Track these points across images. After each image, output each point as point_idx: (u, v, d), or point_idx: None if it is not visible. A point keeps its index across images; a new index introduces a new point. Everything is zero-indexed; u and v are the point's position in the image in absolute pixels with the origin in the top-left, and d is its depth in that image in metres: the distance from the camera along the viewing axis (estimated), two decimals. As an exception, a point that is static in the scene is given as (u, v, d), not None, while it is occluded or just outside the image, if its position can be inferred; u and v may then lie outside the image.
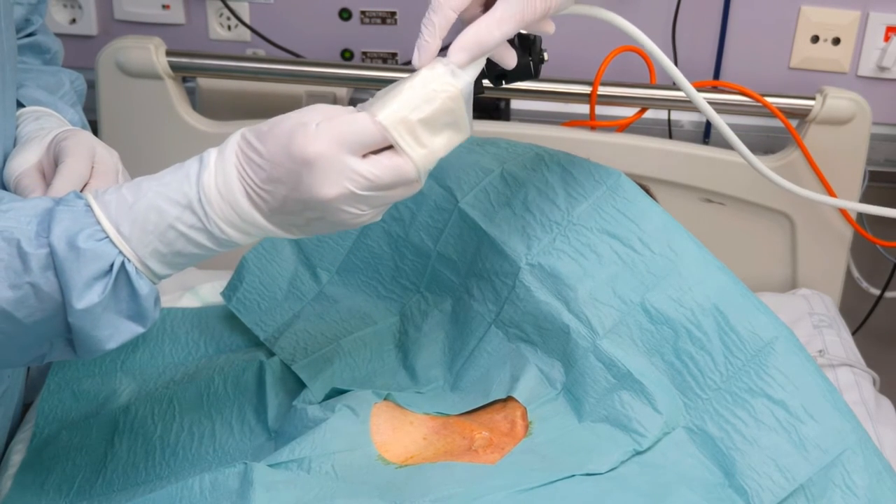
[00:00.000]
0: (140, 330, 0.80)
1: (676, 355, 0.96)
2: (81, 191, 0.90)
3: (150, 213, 0.77)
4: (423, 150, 0.78)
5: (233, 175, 0.77)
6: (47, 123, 1.01)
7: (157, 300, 0.81)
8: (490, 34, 0.83)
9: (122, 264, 0.77)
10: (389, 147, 0.77)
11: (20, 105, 1.04)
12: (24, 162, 0.94)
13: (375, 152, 0.77)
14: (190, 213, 0.77)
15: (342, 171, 0.75)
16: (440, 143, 0.79)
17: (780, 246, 1.63)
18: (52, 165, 0.93)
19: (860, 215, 1.64)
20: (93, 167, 0.92)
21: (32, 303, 0.76)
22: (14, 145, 0.99)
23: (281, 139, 0.76)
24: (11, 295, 0.76)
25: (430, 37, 0.82)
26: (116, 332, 0.79)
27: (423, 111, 0.78)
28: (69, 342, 0.80)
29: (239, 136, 0.78)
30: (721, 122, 1.17)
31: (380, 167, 0.76)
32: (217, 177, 0.77)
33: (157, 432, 1.07)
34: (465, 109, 0.81)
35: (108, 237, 0.77)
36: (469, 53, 0.82)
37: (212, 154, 0.79)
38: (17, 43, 1.06)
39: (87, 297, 0.76)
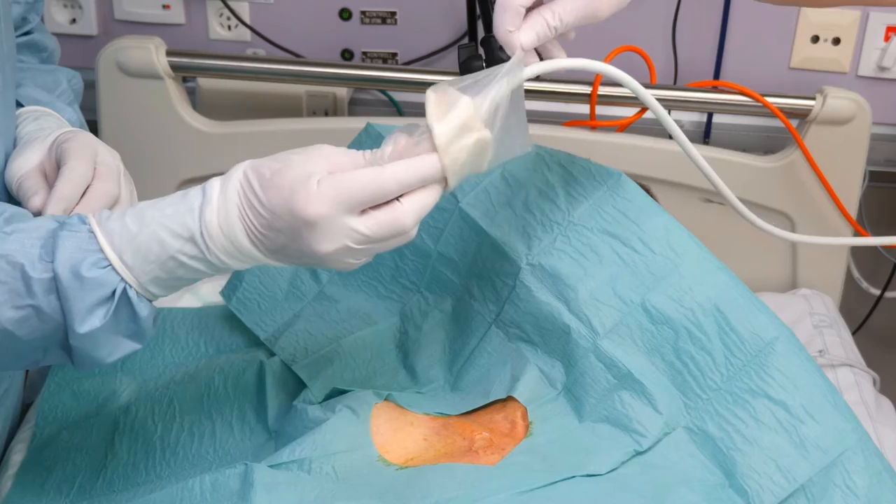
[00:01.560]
0: (138, 346, 0.82)
1: (677, 355, 0.96)
2: (84, 193, 0.91)
3: (153, 243, 0.78)
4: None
5: (234, 214, 0.78)
6: (47, 124, 1.01)
7: (156, 318, 0.83)
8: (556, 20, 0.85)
9: (125, 290, 0.79)
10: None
11: (19, 105, 1.04)
12: (26, 163, 0.94)
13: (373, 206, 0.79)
14: (191, 245, 0.79)
15: (341, 229, 0.77)
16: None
17: (780, 246, 1.63)
18: (54, 167, 0.93)
19: (860, 215, 1.64)
20: (95, 169, 0.93)
21: (34, 323, 0.78)
22: (14, 145, 0.99)
23: (283, 193, 0.77)
24: (14, 315, 0.77)
25: (513, 26, 0.85)
26: (116, 349, 0.81)
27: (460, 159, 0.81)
28: (65, 348, 0.81)
29: (242, 173, 0.79)
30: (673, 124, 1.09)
31: (377, 223, 0.78)
32: (219, 213, 0.78)
33: (158, 432, 1.07)
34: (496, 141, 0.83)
35: (111, 265, 0.78)
36: (536, 35, 0.86)
37: (215, 188, 0.79)
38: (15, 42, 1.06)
39: (89, 322, 0.78)
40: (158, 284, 0.80)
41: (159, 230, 0.78)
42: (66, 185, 0.90)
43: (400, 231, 0.79)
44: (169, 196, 0.81)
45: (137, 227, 0.79)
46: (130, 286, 0.79)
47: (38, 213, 0.89)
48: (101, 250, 0.78)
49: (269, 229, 0.78)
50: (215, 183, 0.80)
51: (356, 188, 0.77)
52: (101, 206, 0.91)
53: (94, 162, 0.93)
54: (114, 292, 0.79)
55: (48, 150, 0.95)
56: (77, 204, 0.89)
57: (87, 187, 0.91)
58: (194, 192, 0.80)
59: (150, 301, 0.82)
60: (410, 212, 0.79)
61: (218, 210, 0.78)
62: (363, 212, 0.78)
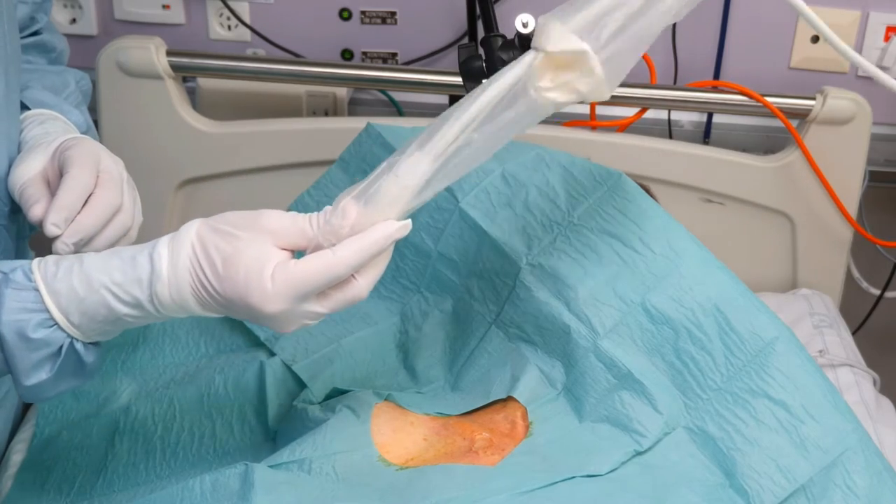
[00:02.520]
0: (84, 382, 0.85)
1: (677, 355, 0.96)
2: (86, 201, 0.90)
3: (100, 308, 0.79)
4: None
5: (187, 291, 0.79)
6: (52, 128, 1.01)
7: (102, 354, 0.85)
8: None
9: (71, 343, 0.80)
10: None
11: (25, 108, 1.04)
12: (29, 170, 0.94)
13: None
14: (140, 310, 0.80)
15: (299, 315, 0.80)
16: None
17: (780, 246, 1.63)
18: (56, 174, 0.93)
19: (860, 215, 1.64)
20: (98, 177, 0.92)
21: None
22: (19, 150, 0.99)
23: (238, 287, 0.78)
24: None
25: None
26: (61, 389, 0.83)
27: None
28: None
29: (191, 249, 0.79)
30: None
31: (334, 302, 0.80)
32: (170, 287, 0.79)
33: (158, 432, 1.07)
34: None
35: (57, 325, 0.79)
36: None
37: (163, 258, 0.79)
38: (21, 43, 1.06)
39: (35, 377, 0.80)
40: (105, 335, 0.83)
41: (107, 296, 0.79)
42: (68, 194, 0.89)
43: (356, 301, 0.81)
44: (117, 255, 0.81)
45: (85, 291, 0.79)
46: (77, 340, 0.81)
47: (39, 223, 0.89)
48: (48, 310, 0.79)
49: (224, 308, 0.80)
50: (163, 252, 0.79)
51: (310, 281, 0.78)
52: (103, 215, 0.90)
53: (97, 170, 0.93)
54: (60, 348, 0.80)
55: (51, 157, 0.94)
56: (79, 213, 0.89)
57: (90, 196, 0.91)
58: (142, 258, 0.80)
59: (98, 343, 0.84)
60: (366, 286, 0.81)
61: (169, 284, 0.79)
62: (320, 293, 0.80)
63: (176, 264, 0.79)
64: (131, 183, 0.97)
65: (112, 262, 0.80)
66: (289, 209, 1.24)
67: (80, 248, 0.88)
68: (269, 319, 0.79)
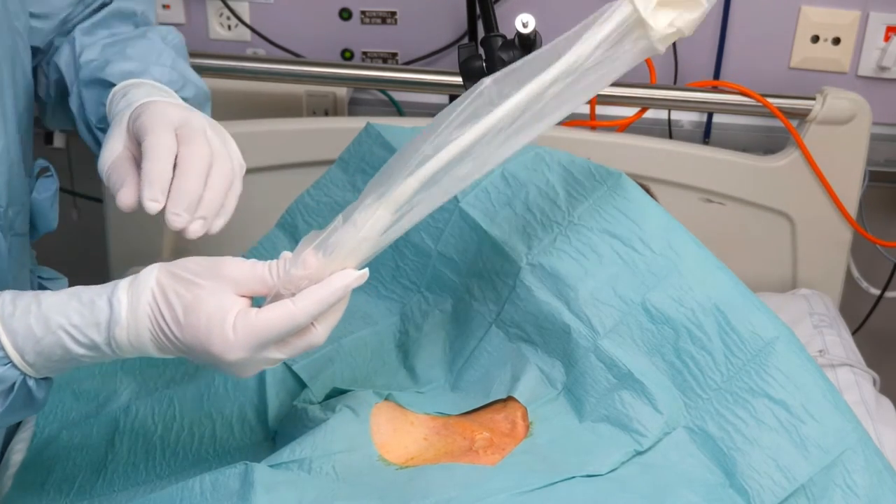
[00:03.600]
0: (32, 414, 0.86)
1: (677, 355, 0.96)
2: (176, 164, 0.87)
3: (56, 348, 0.80)
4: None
5: (146, 336, 0.80)
6: (135, 96, 0.96)
7: (50, 387, 0.86)
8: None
9: (24, 380, 0.81)
10: None
11: (110, 85, 1.00)
12: (111, 153, 0.90)
13: None
14: (96, 351, 0.81)
15: (259, 362, 0.81)
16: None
17: (780, 246, 1.63)
18: (136, 147, 0.90)
19: (860, 215, 1.65)
20: (177, 134, 0.88)
21: None
22: (21, 144, 0.98)
23: (199, 335, 0.78)
24: None
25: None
26: (9, 422, 0.85)
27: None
28: None
29: (151, 295, 0.79)
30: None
31: (293, 349, 0.81)
32: (129, 332, 0.79)
33: (158, 432, 1.07)
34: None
35: (11, 362, 0.80)
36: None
37: (122, 304, 0.79)
38: (95, 20, 1.05)
39: None
40: (58, 372, 0.84)
41: (64, 338, 0.79)
42: (153, 164, 0.85)
43: (313, 347, 0.82)
44: (76, 297, 0.80)
45: (42, 331, 0.79)
46: (30, 377, 0.81)
47: (133, 209, 0.87)
48: (3, 348, 0.79)
49: (183, 354, 0.81)
50: (122, 297, 0.79)
51: (272, 330, 0.78)
52: (198, 172, 0.86)
53: (174, 128, 0.88)
54: (13, 384, 0.80)
55: (126, 132, 0.91)
56: (173, 179, 0.85)
57: (176, 157, 0.87)
58: (101, 302, 0.80)
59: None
60: (324, 333, 0.81)
61: (127, 329, 0.79)
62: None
63: (136, 309, 0.79)
64: (217, 126, 0.93)
65: (70, 305, 0.80)
66: (289, 209, 1.25)
67: (206, 219, 0.86)
68: (228, 366, 0.80)
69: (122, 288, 0.80)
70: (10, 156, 0.95)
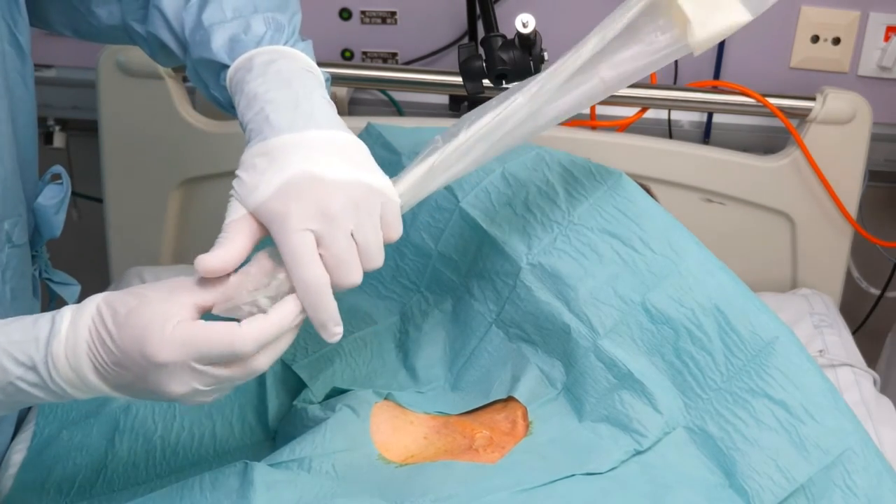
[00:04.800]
0: None
1: (677, 355, 0.96)
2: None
3: None
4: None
5: (83, 349, 0.75)
6: (255, 127, 0.86)
7: None
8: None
9: None
10: None
11: (221, 66, 0.92)
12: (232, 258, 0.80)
13: None
14: (33, 374, 0.76)
15: (191, 375, 0.75)
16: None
17: (780, 246, 1.63)
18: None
19: (860, 215, 1.64)
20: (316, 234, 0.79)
21: None
22: (18, 155, 0.95)
23: (136, 332, 0.74)
24: None
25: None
26: None
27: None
28: None
29: (95, 307, 0.76)
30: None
31: (230, 371, 0.75)
32: (67, 346, 0.75)
33: (158, 432, 1.07)
34: None
35: None
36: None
37: (65, 318, 0.76)
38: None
39: None
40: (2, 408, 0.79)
41: (1, 356, 0.76)
42: (316, 299, 0.79)
43: (252, 375, 0.77)
44: (21, 319, 0.78)
45: None
46: None
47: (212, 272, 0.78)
48: None
49: (118, 366, 0.75)
50: (66, 313, 0.77)
51: (210, 343, 0.74)
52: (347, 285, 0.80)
53: (311, 227, 0.78)
54: None
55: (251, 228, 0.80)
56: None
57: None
58: (44, 320, 0.77)
59: None
60: (265, 362, 0.77)
61: (66, 342, 0.75)
62: None
63: (77, 322, 0.76)
64: (357, 146, 0.84)
65: (14, 325, 0.77)
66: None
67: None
68: (158, 372, 0.74)
69: (68, 307, 0.77)
70: (5, 170, 0.94)
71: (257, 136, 0.83)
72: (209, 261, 0.76)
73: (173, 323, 0.74)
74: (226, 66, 0.92)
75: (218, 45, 0.92)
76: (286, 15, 0.96)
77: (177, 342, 0.73)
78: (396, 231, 0.82)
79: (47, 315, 0.77)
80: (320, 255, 0.77)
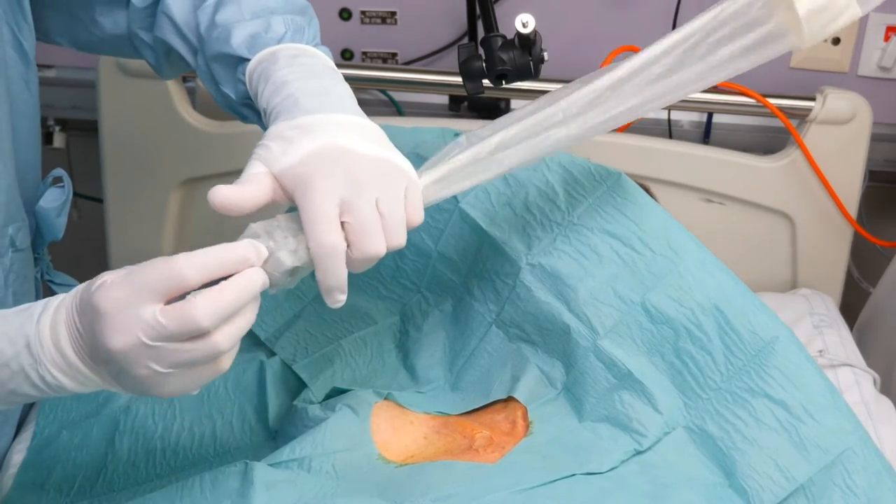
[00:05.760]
0: None
1: (677, 355, 0.96)
2: None
3: None
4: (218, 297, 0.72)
5: (61, 318, 0.74)
6: (278, 106, 0.86)
7: None
8: None
9: None
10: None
11: (241, 59, 0.92)
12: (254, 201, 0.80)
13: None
14: (26, 355, 0.74)
15: (130, 319, 0.71)
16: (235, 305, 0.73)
17: (780, 246, 1.63)
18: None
19: (860, 215, 1.65)
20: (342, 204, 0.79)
21: None
22: (19, 161, 0.95)
23: (91, 287, 0.72)
24: None
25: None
26: None
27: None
28: None
29: (86, 282, 0.75)
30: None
31: (166, 314, 0.70)
32: (52, 319, 0.74)
33: (158, 432, 1.07)
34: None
35: None
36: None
37: (58, 298, 0.76)
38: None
39: None
40: None
41: None
42: (330, 267, 0.77)
43: (192, 327, 0.70)
44: (25, 305, 0.77)
45: None
46: None
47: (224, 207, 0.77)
48: None
49: (80, 327, 0.73)
50: (61, 294, 0.76)
51: (148, 273, 0.71)
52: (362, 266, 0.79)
53: (336, 203, 0.77)
54: None
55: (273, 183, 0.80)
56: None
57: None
58: (43, 302, 0.76)
59: None
60: (225, 338, 0.72)
61: (53, 316, 0.74)
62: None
63: (66, 296, 0.75)
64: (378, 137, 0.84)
65: (13, 310, 0.77)
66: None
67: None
68: (101, 322, 0.71)
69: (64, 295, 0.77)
70: (9, 175, 0.94)
71: (286, 115, 0.83)
72: (225, 192, 0.75)
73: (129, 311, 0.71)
74: (245, 60, 0.92)
75: (238, 41, 0.92)
76: (305, 18, 0.98)
77: (116, 283, 0.71)
78: (419, 214, 0.82)
79: (44, 300, 0.77)
80: (344, 222, 0.76)
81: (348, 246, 0.77)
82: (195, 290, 0.72)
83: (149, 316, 0.70)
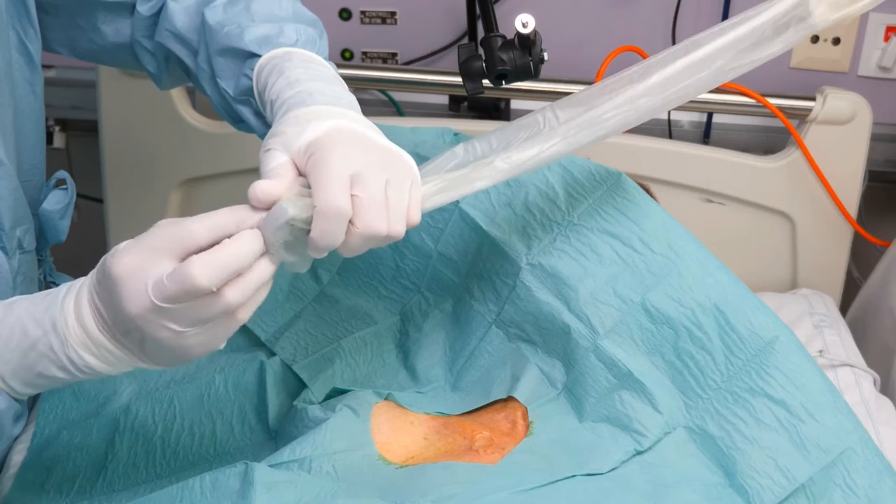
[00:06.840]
0: None
1: (677, 355, 0.96)
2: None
3: (16, 330, 0.76)
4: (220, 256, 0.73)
5: (84, 297, 0.76)
6: (291, 100, 0.88)
7: (18, 416, 0.81)
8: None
9: None
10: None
11: (250, 55, 0.94)
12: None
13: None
14: (53, 336, 0.75)
15: (140, 282, 0.72)
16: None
17: (780, 246, 1.63)
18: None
19: (860, 215, 1.65)
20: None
21: None
22: (25, 162, 0.96)
23: (108, 257, 0.74)
24: None
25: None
26: None
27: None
28: None
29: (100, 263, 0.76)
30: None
31: (171, 275, 0.72)
32: (77, 298, 0.76)
33: (158, 432, 1.07)
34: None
35: None
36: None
37: (81, 279, 0.77)
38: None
39: None
40: (20, 379, 0.78)
41: (24, 317, 0.76)
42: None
43: (190, 286, 0.71)
44: (49, 290, 0.78)
45: (3, 313, 0.77)
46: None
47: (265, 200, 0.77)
48: None
49: (100, 301, 0.75)
50: (85, 277, 0.77)
51: (157, 235, 0.73)
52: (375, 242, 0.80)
53: (347, 182, 0.77)
54: None
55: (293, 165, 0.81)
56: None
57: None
58: (64, 284, 0.78)
59: (14, 398, 0.79)
60: (235, 295, 0.73)
61: (76, 296, 0.76)
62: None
63: (91, 275, 0.76)
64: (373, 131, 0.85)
65: (40, 294, 0.78)
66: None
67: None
68: (115, 286, 0.72)
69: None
70: (14, 179, 0.95)
71: (300, 105, 0.86)
72: (265, 186, 0.76)
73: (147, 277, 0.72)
74: (255, 56, 0.94)
75: (251, 37, 0.94)
76: (316, 31, 0.99)
77: (128, 248, 0.73)
78: (417, 214, 0.83)
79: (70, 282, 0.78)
80: (354, 195, 0.77)
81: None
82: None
83: (157, 278, 0.72)
